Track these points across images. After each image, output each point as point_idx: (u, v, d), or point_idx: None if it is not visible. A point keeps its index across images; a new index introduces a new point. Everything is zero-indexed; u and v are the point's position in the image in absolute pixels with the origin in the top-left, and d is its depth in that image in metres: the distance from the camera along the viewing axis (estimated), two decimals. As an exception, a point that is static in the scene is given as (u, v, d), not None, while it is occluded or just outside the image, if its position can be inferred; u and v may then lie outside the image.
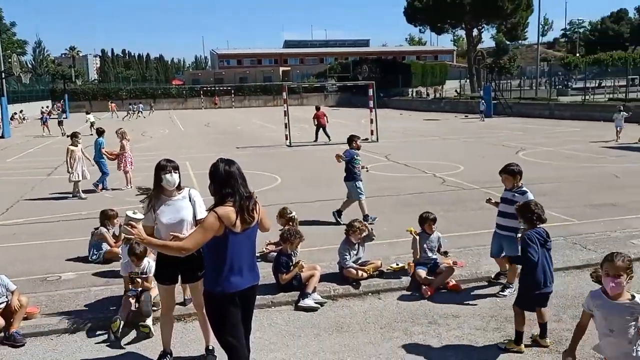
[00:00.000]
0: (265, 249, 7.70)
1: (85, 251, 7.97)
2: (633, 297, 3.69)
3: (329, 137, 24.42)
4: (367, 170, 10.51)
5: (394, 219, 9.79)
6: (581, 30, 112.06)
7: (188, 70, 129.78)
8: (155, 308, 5.87)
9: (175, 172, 4.71)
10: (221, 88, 75.21)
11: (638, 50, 75.63)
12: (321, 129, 24.69)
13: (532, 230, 5.00)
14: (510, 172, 6.24)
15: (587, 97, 36.43)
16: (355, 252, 6.78)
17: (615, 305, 3.70)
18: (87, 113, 36.78)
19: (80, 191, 12.77)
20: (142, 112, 52.94)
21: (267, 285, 6.41)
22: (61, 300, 6.27)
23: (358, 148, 9.98)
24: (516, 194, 6.12)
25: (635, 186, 12.02)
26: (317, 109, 25.44)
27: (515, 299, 5.15)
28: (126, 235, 4.14)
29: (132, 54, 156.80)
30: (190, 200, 4.80)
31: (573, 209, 10.07)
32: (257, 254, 7.38)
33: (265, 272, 6.63)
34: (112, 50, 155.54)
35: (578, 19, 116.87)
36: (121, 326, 5.50)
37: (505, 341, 5.09)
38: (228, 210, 3.83)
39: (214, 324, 4.05)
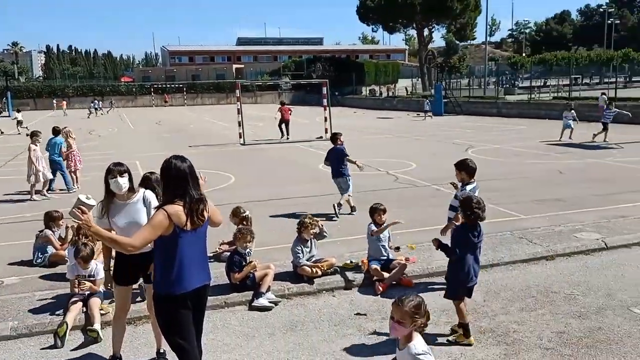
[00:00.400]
0: (219, 248, 7.61)
1: (30, 255, 7.67)
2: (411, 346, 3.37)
3: (286, 134, 24.57)
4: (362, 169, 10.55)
5: (348, 217, 9.86)
6: (527, 30, 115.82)
7: (138, 67, 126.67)
8: (102, 312, 5.71)
9: (124, 176, 4.58)
10: (173, 85, 73.86)
11: (580, 51, 78.83)
12: (283, 123, 24.81)
13: (466, 224, 5.13)
14: (461, 167, 6.42)
15: (533, 95, 37.71)
16: (308, 249, 6.78)
17: (399, 353, 3.49)
18: (18, 111, 35.51)
19: (45, 191, 12.44)
20: (101, 110, 52.08)
21: (221, 285, 6.33)
22: (3, 306, 6.01)
23: (341, 144, 10.25)
24: (465, 189, 6.29)
25: (578, 181, 12.53)
26: (282, 104, 25.95)
27: (445, 291, 5.28)
28: (74, 220, 3.97)
29: (79, 50, 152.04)
30: (144, 203, 4.69)
31: (520, 204, 10.40)
32: (210, 254, 7.30)
33: (219, 273, 6.57)
34: (58, 46, 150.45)
35: (524, 20, 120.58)
36: (68, 331, 5.31)
37: (455, 334, 5.20)
38: (177, 209, 3.75)
39: (163, 327, 3.95)
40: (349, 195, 10.09)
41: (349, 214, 10.00)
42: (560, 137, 20.19)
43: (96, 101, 54.80)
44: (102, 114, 51.73)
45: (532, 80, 46.55)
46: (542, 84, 46.23)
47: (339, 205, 9.95)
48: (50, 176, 12.63)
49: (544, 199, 10.75)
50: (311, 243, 6.84)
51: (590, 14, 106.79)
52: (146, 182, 5.18)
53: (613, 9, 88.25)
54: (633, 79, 59.55)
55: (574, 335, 5.18)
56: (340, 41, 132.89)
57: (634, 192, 11.03)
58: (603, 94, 28.83)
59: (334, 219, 9.66)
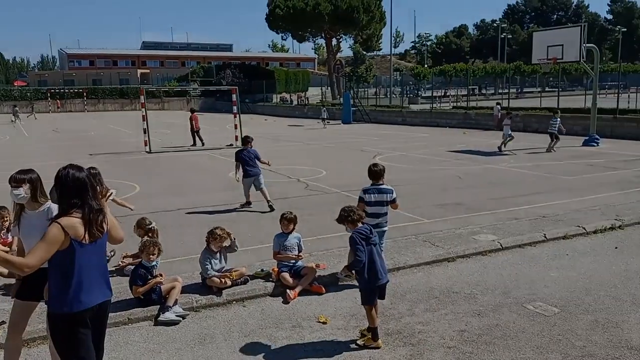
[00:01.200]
0: (122, 262, 7.27)
1: None
2: None
3: (200, 141, 24.28)
4: (238, 180, 11.38)
5: (258, 225, 9.80)
6: (428, 43, 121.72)
7: (33, 71, 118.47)
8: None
9: (20, 187, 4.26)
10: (72, 90, 69.78)
11: (477, 63, 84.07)
12: (195, 131, 24.50)
13: (355, 230, 5.27)
14: (369, 171, 6.62)
15: (434, 105, 39.67)
16: (217, 260, 6.64)
17: None
18: None
19: None
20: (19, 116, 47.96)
21: (124, 300, 6.05)
22: None
23: (251, 146, 11.46)
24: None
25: (475, 186, 13.29)
26: (192, 111, 25.67)
27: (360, 298, 5.36)
28: None
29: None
30: (47, 216, 4.39)
31: (423, 208, 10.85)
32: (113, 268, 6.97)
33: (122, 287, 6.27)
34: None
35: (425, 33, 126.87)
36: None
37: (364, 338, 5.30)
38: (74, 221, 3.53)
39: (60, 348, 3.67)
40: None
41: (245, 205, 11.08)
42: (503, 147, 19.78)
43: (16, 108, 49.80)
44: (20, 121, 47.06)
45: (434, 90, 48.97)
46: (442, 94, 48.73)
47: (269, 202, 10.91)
48: None
49: (445, 204, 11.29)
50: (220, 254, 6.70)
51: (486, 29, 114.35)
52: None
53: (505, 24, 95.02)
54: (524, 90, 64.45)
55: (473, 333, 5.46)
56: (250, 48, 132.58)
57: (524, 195, 11.89)
58: (498, 103, 30.90)
59: (261, 218, 9.53)
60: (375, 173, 6.60)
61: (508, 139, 19.70)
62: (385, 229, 6.73)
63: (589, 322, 5.62)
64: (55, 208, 4.49)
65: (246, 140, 11.60)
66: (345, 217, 5.32)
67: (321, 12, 58.39)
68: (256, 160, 11.18)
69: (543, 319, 5.74)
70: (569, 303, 6.12)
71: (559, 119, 19.50)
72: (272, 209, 10.76)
